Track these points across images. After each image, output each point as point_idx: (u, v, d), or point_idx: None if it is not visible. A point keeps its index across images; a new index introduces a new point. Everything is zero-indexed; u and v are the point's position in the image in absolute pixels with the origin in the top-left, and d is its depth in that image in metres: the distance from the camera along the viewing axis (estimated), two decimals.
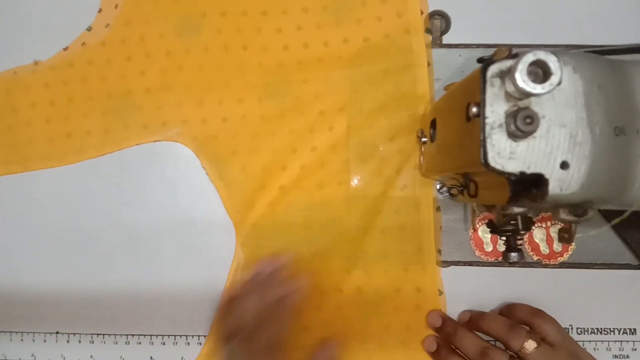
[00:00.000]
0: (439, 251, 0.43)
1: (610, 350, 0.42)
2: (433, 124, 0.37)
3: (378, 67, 0.43)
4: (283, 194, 0.43)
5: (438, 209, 0.43)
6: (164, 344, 0.44)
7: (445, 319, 0.41)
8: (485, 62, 0.25)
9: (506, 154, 0.25)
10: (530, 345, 0.36)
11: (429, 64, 0.43)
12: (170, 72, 0.44)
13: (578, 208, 0.27)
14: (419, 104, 0.42)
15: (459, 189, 0.37)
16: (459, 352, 0.39)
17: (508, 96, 0.25)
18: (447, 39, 0.43)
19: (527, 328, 0.38)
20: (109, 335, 0.44)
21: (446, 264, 0.43)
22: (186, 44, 0.44)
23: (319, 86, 0.43)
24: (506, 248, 0.34)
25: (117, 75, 0.44)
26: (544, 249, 0.42)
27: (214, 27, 0.44)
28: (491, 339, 0.39)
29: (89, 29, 0.45)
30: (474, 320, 0.40)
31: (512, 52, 0.25)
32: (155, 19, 0.44)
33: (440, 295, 0.43)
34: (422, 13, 0.43)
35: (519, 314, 0.40)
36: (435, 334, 0.42)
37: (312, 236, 0.43)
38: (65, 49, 0.45)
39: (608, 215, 0.38)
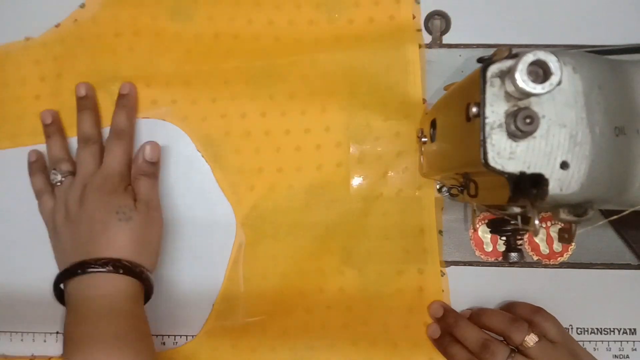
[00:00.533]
0: (440, 232, 0.43)
1: (610, 350, 0.42)
2: (433, 124, 0.37)
3: (369, 48, 0.43)
4: (283, 176, 0.43)
5: (440, 190, 0.42)
6: (164, 343, 0.44)
7: (447, 309, 0.42)
8: (485, 62, 0.25)
9: (506, 154, 0.25)
10: (531, 339, 0.36)
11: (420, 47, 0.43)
12: (158, 52, 0.44)
13: (578, 208, 0.27)
14: (410, 88, 0.42)
15: (459, 189, 0.37)
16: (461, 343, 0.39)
17: (508, 96, 0.25)
18: (447, 39, 0.43)
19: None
20: None
21: (446, 264, 0.43)
22: (177, 28, 0.44)
23: (308, 69, 0.43)
24: (506, 248, 0.34)
25: (106, 50, 0.44)
26: (544, 249, 0.42)
27: (206, 14, 0.44)
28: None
29: (82, 6, 0.45)
30: (475, 316, 0.41)
31: (512, 52, 0.25)
32: (148, 0, 0.44)
33: (443, 276, 0.43)
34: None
35: (519, 312, 0.40)
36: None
37: (314, 217, 0.43)
38: (57, 26, 0.45)
39: (609, 215, 0.38)
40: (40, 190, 0.42)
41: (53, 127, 0.43)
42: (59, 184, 0.41)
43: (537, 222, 0.27)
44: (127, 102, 0.42)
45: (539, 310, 0.39)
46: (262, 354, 0.43)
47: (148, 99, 0.44)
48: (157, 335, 0.44)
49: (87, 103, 0.43)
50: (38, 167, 0.43)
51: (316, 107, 0.43)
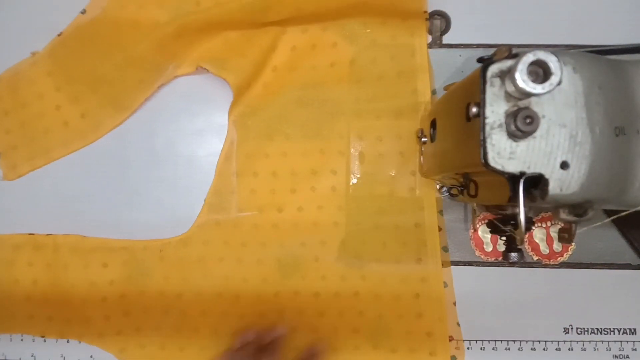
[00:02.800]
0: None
1: (610, 350, 0.42)
2: (433, 124, 0.37)
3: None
4: (277, 75, 0.44)
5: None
6: None
7: None
8: (485, 62, 0.25)
9: (506, 154, 0.25)
10: None
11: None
12: (162, 41, 0.43)
13: (578, 208, 0.27)
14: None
15: (459, 189, 0.37)
16: None
17: (508, 96, 0.25)
18: (447, 39, 0.43)
19: None
20: None
21: (446, 264, 0.43)
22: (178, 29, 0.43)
23: None
24: (506, 248, 0.34)
25: (110, 44, 0.44)
26: (544, 249, 0.42)
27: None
28: None
29: (83, 12, 0.45)
30: None
31: (512, 52, 0.25)
32: (149, 4, 0.44)
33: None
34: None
35: None
36: None
37: (306, 115, 0.43)
38: (59, 35, 0.45)
39: (612, 215, 0.38)
40: None
41: None
42: None
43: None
44: None
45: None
46: (252, 248, 0.43)
47: (152, 70, 0.44)
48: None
49: None
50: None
51: (314, 14, 0.43)
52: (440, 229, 0.42)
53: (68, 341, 0.44)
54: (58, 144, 0.45)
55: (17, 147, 0.45)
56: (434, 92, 0.43)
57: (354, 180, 0.43)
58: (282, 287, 0.43)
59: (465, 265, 0.43)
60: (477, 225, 0.42)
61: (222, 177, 0.44)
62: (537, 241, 0.42)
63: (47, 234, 0.44)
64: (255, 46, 0.43)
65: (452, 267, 0.43)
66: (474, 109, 0.26)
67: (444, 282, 0.42)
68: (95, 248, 0.44)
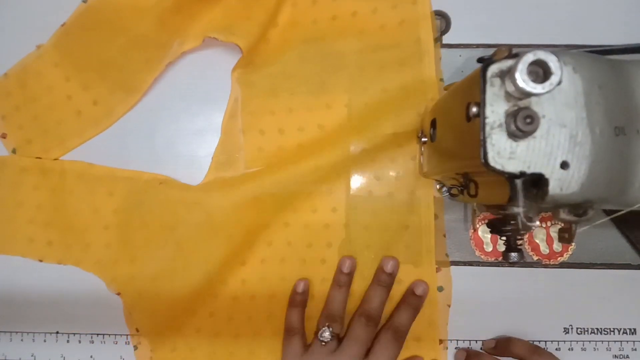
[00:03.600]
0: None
1: (610, 350, 0.42)
2: (433, 124, 0.37)
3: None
4: (279, 31, 0.44)
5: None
6: None
7: (470, 353, 0.42)
8: (486, 62, 0.25)
9: (506, 154, 0.25)
10: None
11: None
12: (162, 17, 0.43)
13: (578, 208, 0.27)
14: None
15: (459, 189, 0.37)
16: None
17: (508, 96, 0.25)
18: (447, 39, 0.43)
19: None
20: (109, 335, 0.44)
21: (446, 264, 0.43)
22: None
23: None
24: (506, 248, 0.34)
25: (113, 28, 0.44)
26: (544, 249, 0.42)
27: None
28: None
29: (85, 1, 0.45)
30: (500, 347, 0.41)
31: (512, 52, 0.25)
32: None
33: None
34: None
35: (517, 351, 0.40)
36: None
37: (309, 69, 0.43)
38: (63, 25, 0.45)
39: (611, 215, 0.38)
40: (294, 328, 0.41)
41: (346, 278, 0.41)
42: (324, 343, 0.39)
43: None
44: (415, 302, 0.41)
45: (536, 349, 0.39)
46: (250, 186, 0.42)
47: (157, 48, 0.44)
48: None
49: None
50: (301, 300, 0.42)
51: None
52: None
53: (68, 341, 0.44)
54: (72, 134, 0.45)
55: (32, 141, 0.45)
56: (436, 41, 0.42)
57: (357, 124, 0.43)
58: (274, 219, 0.43)
59: (465, 265, 0.43)
60: (477, 225, 0.42)
61: (229, 135, 0.44)
62: (537, 241, 0.42)
63: (55, 159, 0.45)
64: (258, 8, 0.43)
65: (452, 267, 0.43)
66: (474, 109, 0.26)
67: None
68: (101, 176, 0.44)
